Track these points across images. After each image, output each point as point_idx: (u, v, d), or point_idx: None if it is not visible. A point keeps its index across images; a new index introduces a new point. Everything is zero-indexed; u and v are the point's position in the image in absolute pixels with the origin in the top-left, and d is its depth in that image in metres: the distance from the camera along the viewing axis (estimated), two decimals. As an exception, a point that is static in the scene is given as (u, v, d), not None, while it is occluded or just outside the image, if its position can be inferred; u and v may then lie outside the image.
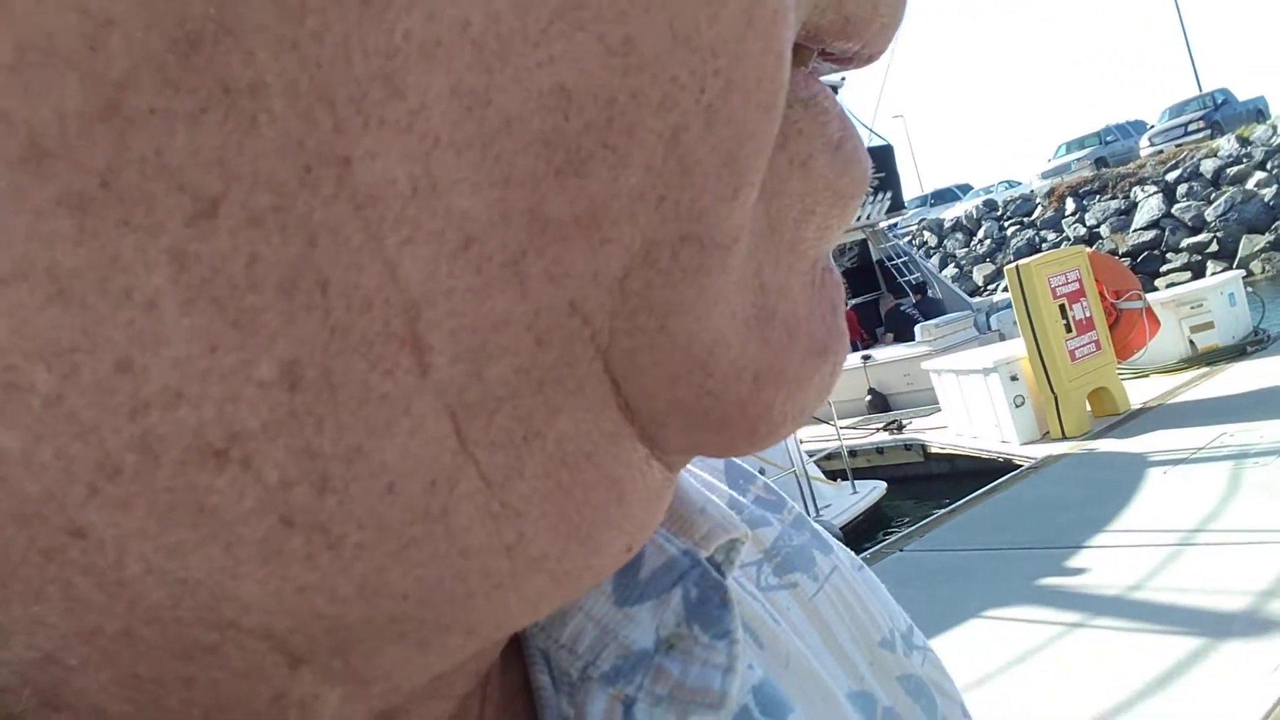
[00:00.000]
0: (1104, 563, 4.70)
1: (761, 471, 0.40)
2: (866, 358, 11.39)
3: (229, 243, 0.13)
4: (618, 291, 0.16)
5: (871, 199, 13.22)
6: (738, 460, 0.39)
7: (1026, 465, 7.01)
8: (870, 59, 0.21)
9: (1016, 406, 7.67)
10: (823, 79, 0.21)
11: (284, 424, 0.14)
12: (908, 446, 9.51)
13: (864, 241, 13.84)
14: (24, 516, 0.14)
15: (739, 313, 0.18)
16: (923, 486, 8.99)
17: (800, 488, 7.14)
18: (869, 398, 11.26)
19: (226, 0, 0.12)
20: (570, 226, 0.15)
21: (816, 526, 0.40)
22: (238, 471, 0.14)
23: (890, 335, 12.31)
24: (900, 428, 10.06)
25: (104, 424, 0.13)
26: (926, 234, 24.90)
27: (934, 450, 9.14)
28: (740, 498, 0.37)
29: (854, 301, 13.19)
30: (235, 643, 0.16)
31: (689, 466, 0.33)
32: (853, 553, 0.41)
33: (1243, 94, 25.40)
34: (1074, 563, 4.82)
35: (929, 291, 13.10)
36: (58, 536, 0.14)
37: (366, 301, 0.14)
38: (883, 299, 13.19)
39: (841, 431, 8.57)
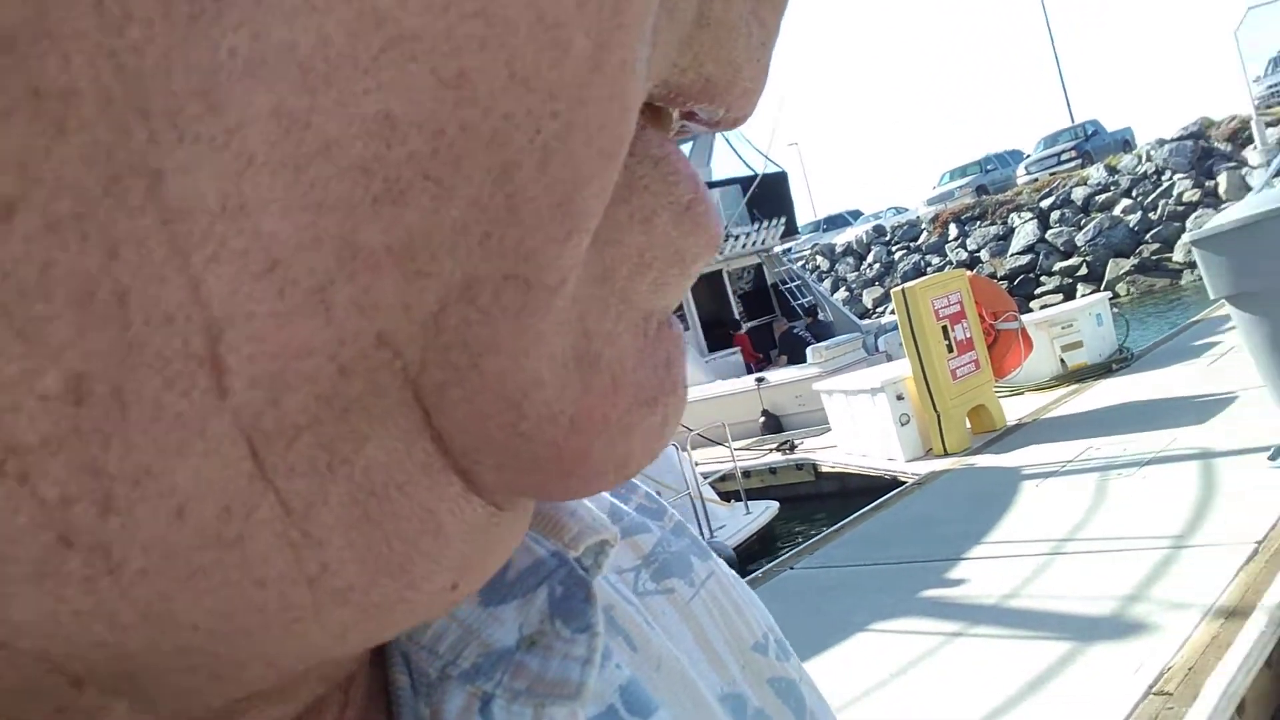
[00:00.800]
0: (982, 573, 4.86)
1: (658, 493, 0.41)
2: (760, 380, 11.57)
3: (22, 248, 0.13)
4: (431, 326, 0.16)
5: (767, 224, 13.51)
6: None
7: (911, 481, 7.21)
8: (736, 122, 0.21)
9: (902, 425, 7.90)
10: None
11: (66, 439, 0.13)
12: (799, 466, 9.67)
13: (759, 265, 14.11)
14: None
15: (559, 356, 0.18)
16: (814, 505, 9.13)
17: (694, 510, 7.18)
18: (762, 419, 11.43)
19: (47, 4, 0.12)
20: (383, 256, 0.14)
21: (695, 534, 0.41)
22: (12, 485, 0.13)
23: (784, 358, 12.54)
24: (792, 448, 10.24)
25: None
26: (819, 258, 25.55)
27: (825, 469, 9.33)
28: (622, 505, 0.39)
29: (749, 324, 13.41)
30: (7, 661, 0.15)
31: None
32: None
33: (1111, 125, 26.94)
34: (954, 574, 4.97)
35: (821, 314, 13.43)
36: None
37: (167, 317, 0.13)
38: (776, 322, 13.44)
39: (735, 453, 8.67)
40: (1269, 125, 16.93)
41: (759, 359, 12.94)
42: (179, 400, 0.14)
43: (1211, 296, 5.94)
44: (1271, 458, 5.00)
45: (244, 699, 0.21)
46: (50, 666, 0.16)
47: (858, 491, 8.13)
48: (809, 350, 11.49)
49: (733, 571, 0.41)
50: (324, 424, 0.15)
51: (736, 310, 13.66)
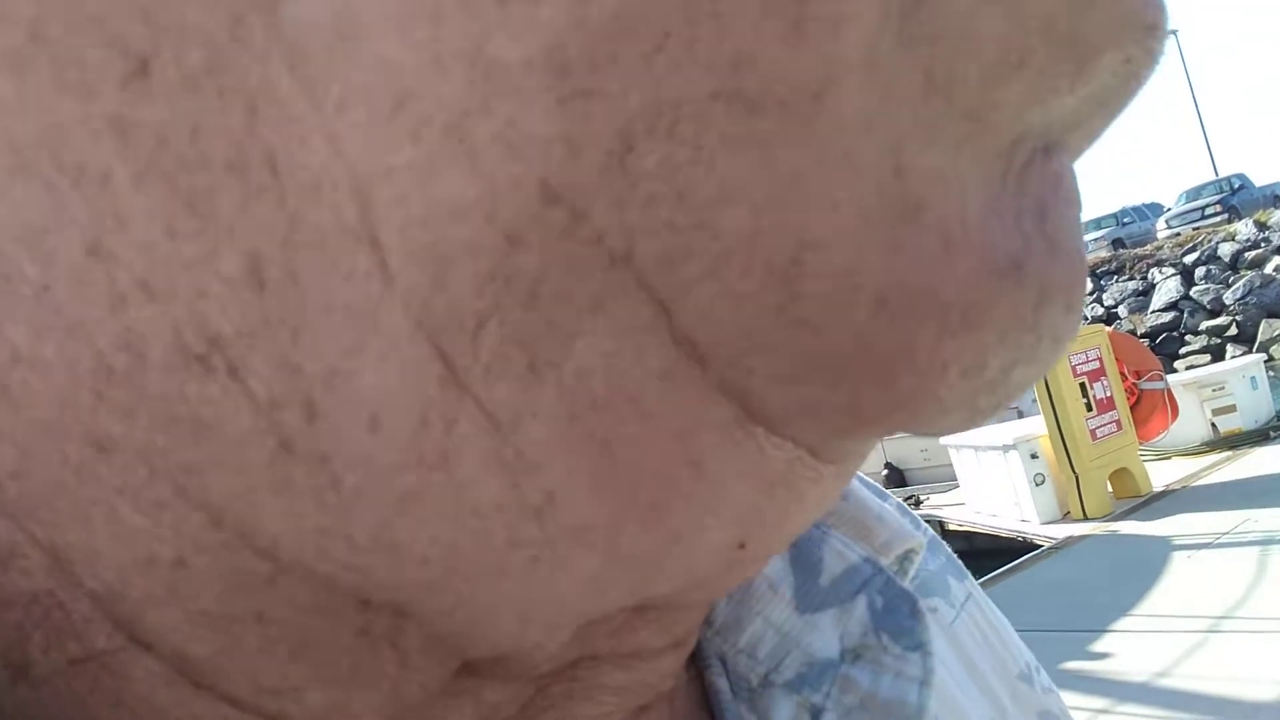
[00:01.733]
0: (1129, 647, 4.60)
1: None
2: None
3: (167, 109, 0.12)
4: (617, 171, 0.12)
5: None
6: (865, 477, 0.38)
7: (1047, 545, 6.90)
8: None
9: (1036, 485, 7.59)
10: None
11: (258, 331, 0.13)
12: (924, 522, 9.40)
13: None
14: (49, 426, 0.13)
15: (846, 201, 0.13)
16: (941, 564, 8.78)
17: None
18: (885, 472, 11.17)
19: None
20: (522, 73, 0.11)
21: (951, 551, 0.38)
22: (226, 381, 0.13)
23: (908, 409, 12.25)
24: (918, 504, 9.95)
25: (89, 318, 0.13)
26: (944, 310, 24.88)
27: (951, 527, 9.00)
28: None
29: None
30: (291, 576, 0.15)
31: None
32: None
33: (1260, 179, 25.53)
34: (1098, 647, 4.72)
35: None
36: (83, 450, 0.13)
37: (315, 184, 0.12)
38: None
39: (859, 506, 8.46)
40: None
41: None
42: (345, 286, 0.12)
43: (1385, 362, 5.55)
44: None
45: (559, 693, 0.20)
46: (330, 585, 0.15)
47: (987, 553, 7.81)
48: (935, 404, 11.19)
49: (986, 595, 0.38)
50: (509, 311, 0.13)
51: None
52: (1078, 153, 0.16)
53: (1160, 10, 0.14)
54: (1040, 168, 0.15)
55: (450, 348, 0.13)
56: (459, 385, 0.13)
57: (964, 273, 0.14)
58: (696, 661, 0.26)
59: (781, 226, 0.13)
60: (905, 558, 0.29)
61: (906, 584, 0.29)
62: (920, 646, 0.26)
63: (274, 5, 0.12)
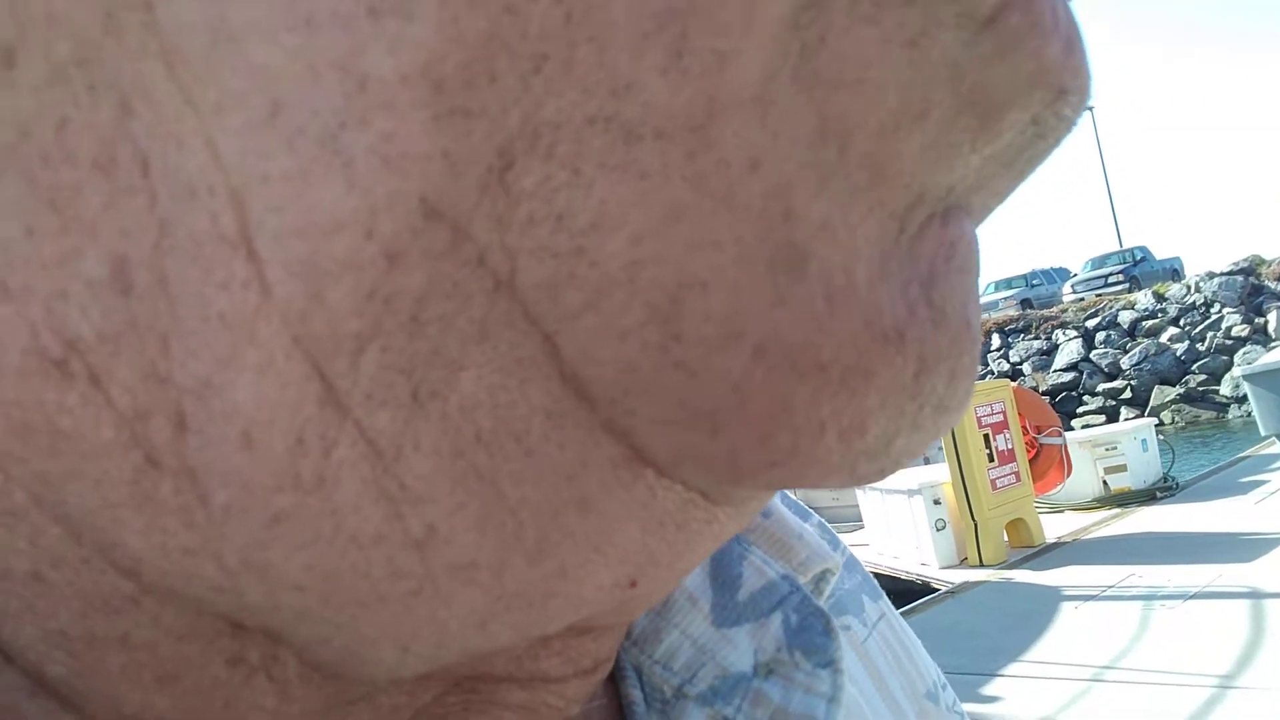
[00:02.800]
0: (1017, 692, 4.74)
1: None
2: (795, 469, 11.50)
3: (32, 101, 0.12)
4: (498, 189, 0.12)
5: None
6: (791, 496, 0.39)
7: (944, 590, 7.08)
8: None
9: (938, 530, 7.79)
10: None
11: (124, 337, 0.12)
12: (829, 561, 9.53)
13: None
14: None
15: (731, 244, 0.12)
16: (842, 603, 8.91)
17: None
18: (794, 509, 11.32)
19: None
20: (397, 86, 0.11)
21: (867, 571, 0.39)
22: (86, 389, 0.12)
23: (819, 449, 12.47)
24: (823, 542, 10.09)
25: None
26: (859, 354, 25.45)
27: (855, 567, 9.18)
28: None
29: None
30: (156, 597, 0.14)
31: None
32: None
33: (1160, 253, 26.94)
34: (988, 690, 4.85)
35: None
36: None
37: (190, 188, 0.12)
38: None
39: (766, 540, 8.54)
40: (1324, 268, 16.84)
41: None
42: (220, 295, 0.12)
43: (1262, 433, 5.92)
44: (1322, 605, 4.88)
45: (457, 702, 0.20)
46: (199, 608, 0.15)
47: (887, 594, 7.98)
48: (846, 445, 11.42)
49: (898, 614, 0.39)
50: (392, 335, 0.12)
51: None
52: (982, 214, 0.16)
53: (1075, 75, 0.14)
54: (935, 234, 0.14)
55: (330, 368, 0.12)
56: (339, 408, 0.13)
57: (846, 334, 0.13)
58: (613, 672, 0.27)
59: (660, 260, 0.12)
60: (822, 577, 0.30)
61: (822, 602, 0.29)
62: (831, 664, 0.27)
63: (149, 3, 0.11)
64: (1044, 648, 5.33)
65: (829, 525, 0.40)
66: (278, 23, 0.11)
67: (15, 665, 0.15)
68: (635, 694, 0.26)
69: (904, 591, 7.59)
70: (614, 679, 0.27)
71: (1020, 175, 0.15)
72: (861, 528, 9.36)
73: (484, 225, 0.12)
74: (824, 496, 11.15)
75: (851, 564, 0.38)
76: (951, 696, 0.38)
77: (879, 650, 0.36)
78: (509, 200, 0.12)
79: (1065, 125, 0.14)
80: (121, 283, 0.12)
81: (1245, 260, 20.07)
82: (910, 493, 7.98)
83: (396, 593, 0.14)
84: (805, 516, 0.38)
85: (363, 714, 0.19)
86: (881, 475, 0.15)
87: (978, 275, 0.15)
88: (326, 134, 0.11)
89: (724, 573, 0.28)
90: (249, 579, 0.14)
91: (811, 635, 0.27)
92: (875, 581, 0.39)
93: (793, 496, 0.39)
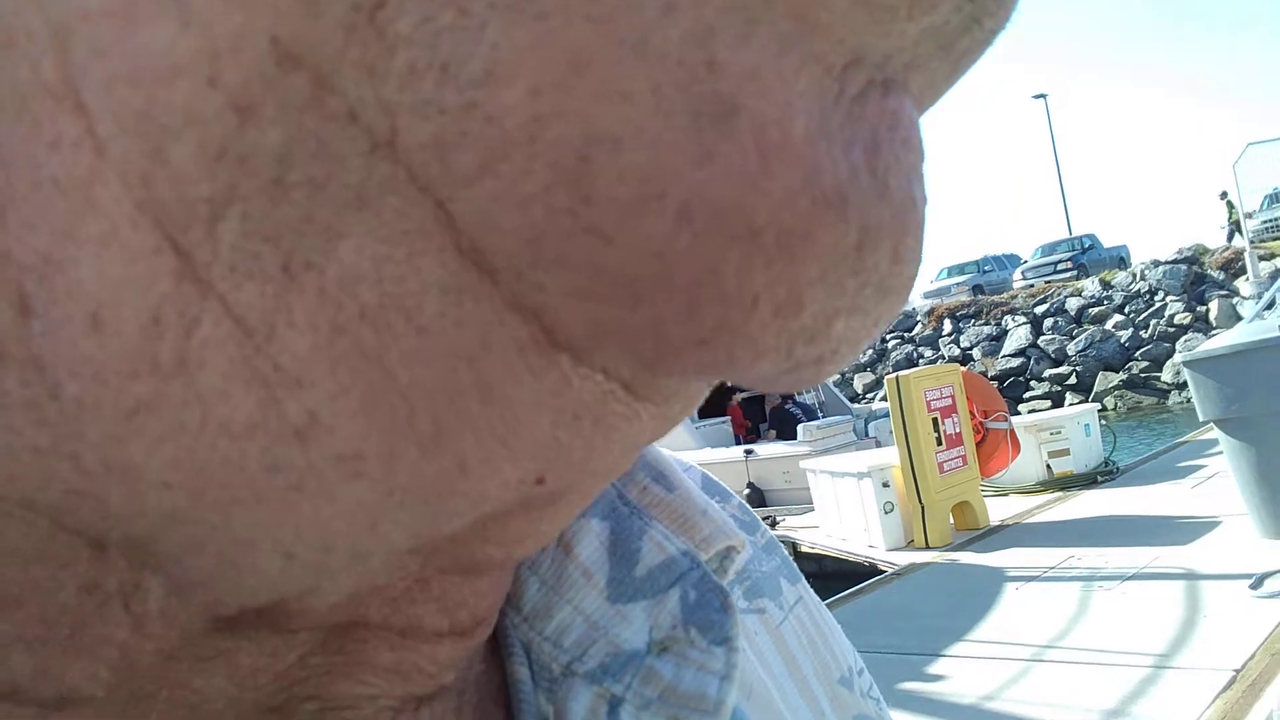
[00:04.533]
0: (960, 671, 4.82)
1: None
2: (749, 452, 11.58)
3: None
4: (367, 30, 0.10)
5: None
6: (713, 478, 0.37)
7: (891, 571, 7.18)
8: None
9: (886, 513, 7.90)
10: None
11: None
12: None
13: (755, 338, 14.22)
14: None
15: (646, 95, 0.11)
16: (791, 584, 9.03)
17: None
18: (747, 491, 11.40)
19: None
20: None
21: (786, 554, 0.38)
22: None
23: (774, 432, 12.57)
24: (774, 524, 10.19)
25: None
26: (813, 338, 25.72)
27: (804, 549, 9.26)
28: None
29: (742, 395, 13.44)
30: (7, 514, 0.13)
31: (680, 471, 0.30)
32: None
33: (1108, 241, 27.51)
34: (932, 669, 4.93)
35: (812, 394, 13.50)
36: None
37: (7, 32, 0.10)
38: (769, 396, 13.49)
39: (718, 522, 8.59)
40: (1262, 259, 17.31)
41: (748, 431, 12.95)
42: (52, 157, 0.11)
43: (1201, 419, 6.05)
44: (1253, 586, 5.02)
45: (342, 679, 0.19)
46: (53, 520, 0.13)
47: (835, 575, 8.08)
48: (800, 428, 11.52)
49: (817, 597, 0.39)
50: (251, 200, 0.11)
51: (729, 380, 13.70)
52: (923, 103, 0.14)
53: None
54: (877, 101, 0.13)
55: (184, 238, 0.11)
56: (199, 282, 0.11)
57: (782, 193, 0.12)
58: (500, 650, 0.26)
59: (565, 115, 0.11)
60: (726, 554, 0.29)
61: (726, 581, 0.28)
62: (726, 641, 0.26)
63: None
64: (987, 628, 5.43)
65: (750, 508, 0.39)
66: None
67: None
68: (522, 671, 0.25)
69: (852, 573, 7.70)
70: (501, 656, 0.25)
71: (956, 66, 0.14)
72: (812, 510, 9.46)
73: (353, 75, 0.11)
74: (776, 478, 11.25)
75: (771, 546, 0.37)
76: (868, 682, 0.37)
77: (794, 634, 0.35)
78: (383, 46, 0.10)
79: (998, 10, 0.13)
80: None
81: (1189, 249, 20.56)
82: (860, 476, 8.07)
83: (275, 487, 0.13)
84: (725, 498, 0.37)
85: (218, 672, 0.17)
86: (820, 368, 0.14)
87: (922, 159, 0.14)
88: None
89: (623, 547, 0.27)
90: (109, 479, 0.13)
91: (708, 612, 0.26)
92: (795, 565, 0.38)
93: (713, 478, 0.38)
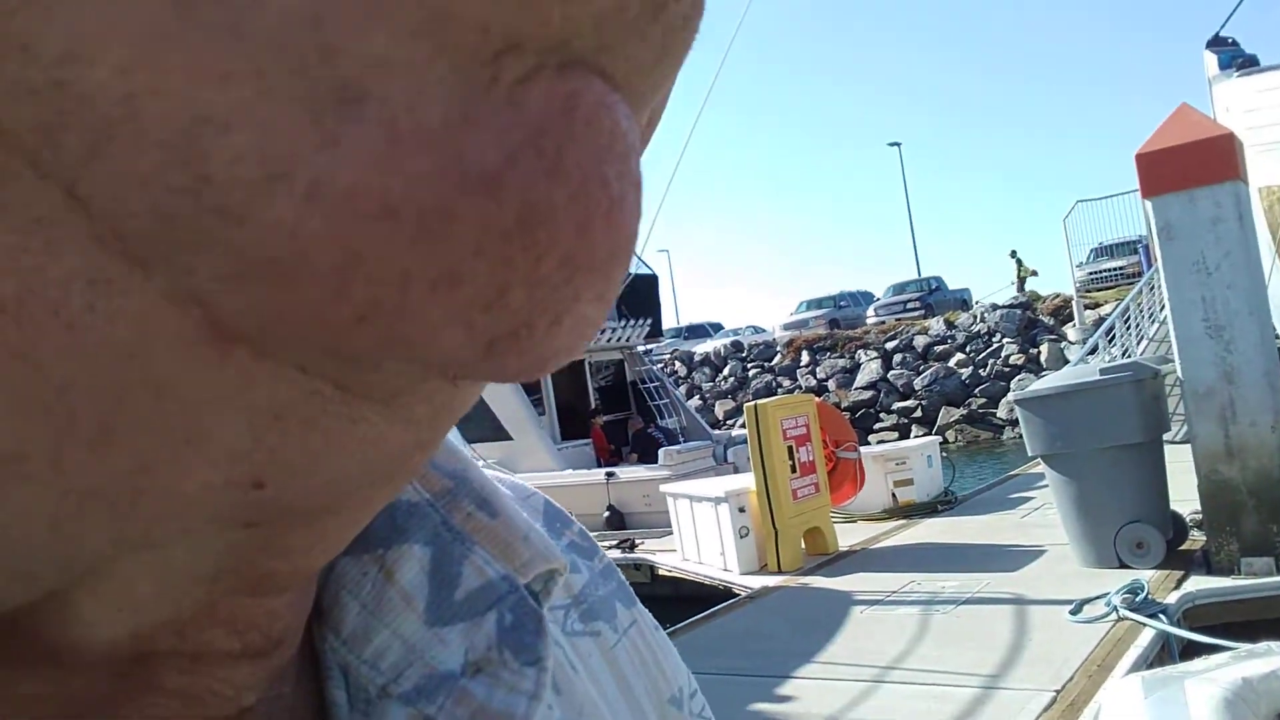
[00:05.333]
0: (808, 692, 4.97)
1: None
2: (610, 474, 11.61)
3: None
4: None
5: (634, 322, 13.78)
6: (556, 505, 0.39)
7: (744, 594, 7.35)
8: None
9: (741, 537, 8.07)
10: None
11: None
12: (637, 566, 9.65)
13: (621, 362, 14.31)
14: None
15: (248, 76, 0.11)
16: (649, 607, 8.96)
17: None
18: (607, 514, 11.43)
19: None
20: None
21: (623, 578, 0.40)
22: None
23: (635, 455, 12.66)
24: (633, 547, 10.25)
25: None
26: (678, 364, 26.10)
27: (661, 572, 9.36)
28: (554, 541, 0.34)
29: (605, 418, 13.51)
30: None
31: (506, 497, 0.31)
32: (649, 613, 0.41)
33: (953, 283, 29.10)
34: (782, 690, 5.06)
35: (674, 419, 13.70)
36: None
37: None
38: (632, 419, 13.59)
39: (577, 544, 8.57)
40: (1087, 307, 18.76)
41: (611, 454, 13.00)
42: None
43: (1029, 453, 6.49)
44: (1073, 612, 5.40)
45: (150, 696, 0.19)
46: None
47: (692, 598, 8.19)
48: (661, 452, 11.64)
49: (654, 620, 0.40)
50: None
51: (594, 401, 13.75)
52: (634, 85, 0.14)
53: None
54: (546, 85, 0.13)
55: None
56: None
57: (415, 175, 0.12)
58: (318, 674, 0.26)
59: (161, 94, 0.11)
60: (549, 577, 0.30)
61: (550, 603, 0.30)
62: (537, 661, 0.27)
63: None
64: (834, 649, 5.63)
65: (589, 535, 0.40)
66: None
67: None
68: (339, 694, 0.25)
69: (708, 596, 7.82)
70: (319, 681, 0.26)
71: (665, 51, 0.14)
72: (670, 533, 9.58)
73: None
74: (636, 501, 11.32)
75: (608, 571, 0.39)
76: (700, 703, 0.39)
77: (627, 655, 0.36)
78: None
79: None
80: None
81: (1024, 296, 22.06)
82: (717, 500, 8.23)
83: None
84: (566, 524, 0.39)
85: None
86: (520, 345, 0.14)
87: (625, 143, 0.14)
88: None
89: (444, 571, 0.28)
90: None
91: (522, 634, 0.27)
92: (630, 589, 0.39)
93: (556, 505, 0.39)
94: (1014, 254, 23.68)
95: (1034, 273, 23.50)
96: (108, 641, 0.18)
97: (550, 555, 0.30)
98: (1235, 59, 11.73)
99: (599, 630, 0.36)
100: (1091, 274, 21.53)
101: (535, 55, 0.13)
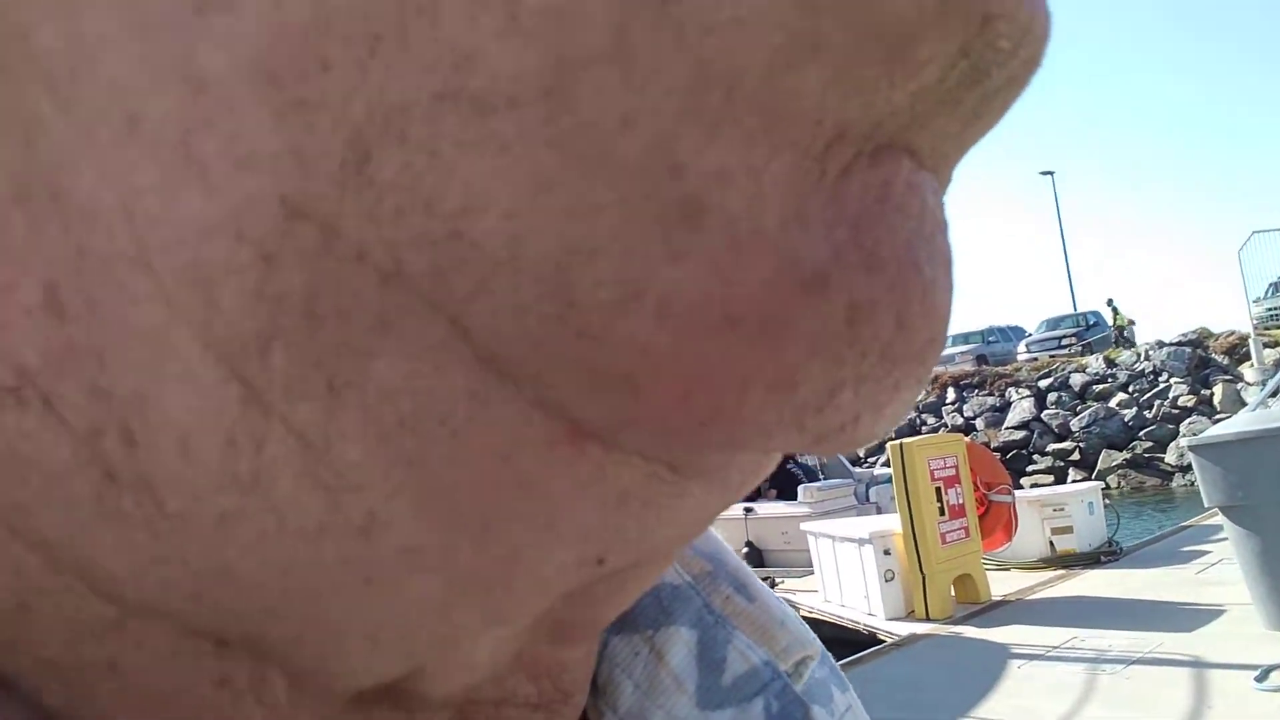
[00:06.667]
0: (961, 750, 4.75)
1: None
2: (749, 510, 11.51)
3: None
4: (358, 181, 0.12)
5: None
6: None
7: (891, 641, 7.10)
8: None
9: (886, 581, 7.82)
10: None
11: (65, 359, 0.13)
12: (778, 605, 9.54)
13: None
14: None
15: (614, 205, 0.12)
16: (788, 648, 8.92)
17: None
18: (745, 550, 11.32)
19: None
20: (234, 82, 0.11)
21: (834, 662, 0.41)
22: (42, 412, 0.13)
23: (774, 491, 12.51)
24: (774, 585, 10.10)
25: None
26: (816, 399, 25.73)
27: (803, 613, 9.15)
28: None
29: (743, 453, 13.40)
30: (140, 619, 0.15)
31: (759, 581, 0.33)
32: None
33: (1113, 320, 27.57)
34: (932, 746, 4.86)
35: (815, 455, 13.45)
36: None
37: (91, 209, 0.12)
38: (770, 455, 13.44)
39: (716, 581, 8.52)
40: (1266, 346, 17.38)
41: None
42: (135, 311, 0.12)
43: (1206, 504, 6.02)
44: (1258, 679, 4.96)
45: None
46: (180, 624, 0.15)
47: (833, 641, 7.95)
48: (800, 489, 11.47)
49: (862, 707, 0.41)
50: (292, 332, 0.12)
51: (732, 437, 13.66)
52: (937, 159, 0.15)
53: (1005, 2, 0.13)
54: (862, 175, 0.13)
55: (244, 369, 0.13)
56: (262, 406, 0.13)
57: (756, 282, 0.12)
58: None
59: (540, 232, 0.12)
60: (802, 662, 0.30)
61: (800, 689, 0.30)
62: None
63: (24, 33, 0.12)
64: (991, 704, 5.36)
65: (777, 574, 0.42)
66: (122, 31, 0.11)
67: (16, 696, 0.15)
68: None
69: (850, 640, 7.60)
70: None
71: (977, 117, 0.14)
72: (811, 573, 9.38)
73: (355, 221, 0.12)
74: (775, 538, 11.17)
75: (823, 655, 0.39)
76: None
77: None
78: (375, 193, 0.12)
79: (1009, 59, 0.13)
80: (56, 307, 0.13)
81: (1193, 332, 20.67)
82: (861, 541, 8.01)
83: (350, 581, 0.14)
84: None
85: None
86: (846, 435, 0.14)
87: (934, 220, 0.14)
88: (177, 140, 0.12)
89: (709, 655, 0.29)
90: (215, 581, 0.14)
91: None
92: (843, 674, 0.40)
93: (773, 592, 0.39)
94: (1110, 302, 22.50)
95: (1131, 322, 22.31)
96: (444, 695, 0.20)
97: (806, 642, 0.31)
98: None
99: (816, 717, 0.37)
100: (1270, 310, 20.02)
101: (856, 143, 0.13)
